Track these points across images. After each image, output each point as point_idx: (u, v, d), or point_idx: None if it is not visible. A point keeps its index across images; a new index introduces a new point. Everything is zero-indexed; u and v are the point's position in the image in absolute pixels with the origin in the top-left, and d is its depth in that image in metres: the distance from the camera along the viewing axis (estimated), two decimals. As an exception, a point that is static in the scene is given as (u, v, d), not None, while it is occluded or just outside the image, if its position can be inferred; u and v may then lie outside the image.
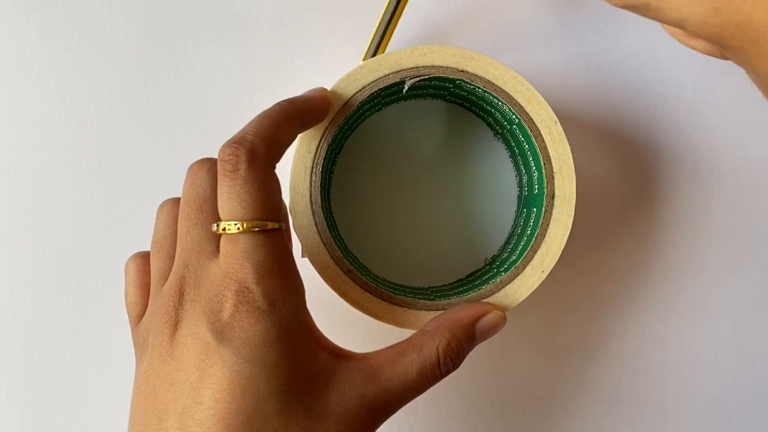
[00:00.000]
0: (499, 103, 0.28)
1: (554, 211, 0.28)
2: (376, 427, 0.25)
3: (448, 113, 0.33)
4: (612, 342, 0.35)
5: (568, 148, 0.28)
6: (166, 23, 0.34)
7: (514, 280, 0.28)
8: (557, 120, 0.28)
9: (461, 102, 0.32)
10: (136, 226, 0.32)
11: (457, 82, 0.28)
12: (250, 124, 0.24)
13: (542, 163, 0.28)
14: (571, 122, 0.32)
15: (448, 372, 0.26)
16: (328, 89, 0.28)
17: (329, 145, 0.28)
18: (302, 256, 0.28)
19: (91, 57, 0.34)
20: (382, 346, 0.26)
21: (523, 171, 0.31)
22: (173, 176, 0.33)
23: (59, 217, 0.34)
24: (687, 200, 0.35)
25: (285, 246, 0.24)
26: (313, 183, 0.28)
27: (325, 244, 0.28)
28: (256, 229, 0.23)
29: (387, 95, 0.30)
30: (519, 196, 0.32)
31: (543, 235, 0.28)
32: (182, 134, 0.34)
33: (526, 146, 0.29)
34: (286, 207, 0.28)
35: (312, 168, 0.28)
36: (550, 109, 0.28)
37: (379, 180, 0.33)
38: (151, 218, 0.27)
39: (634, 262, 0.35)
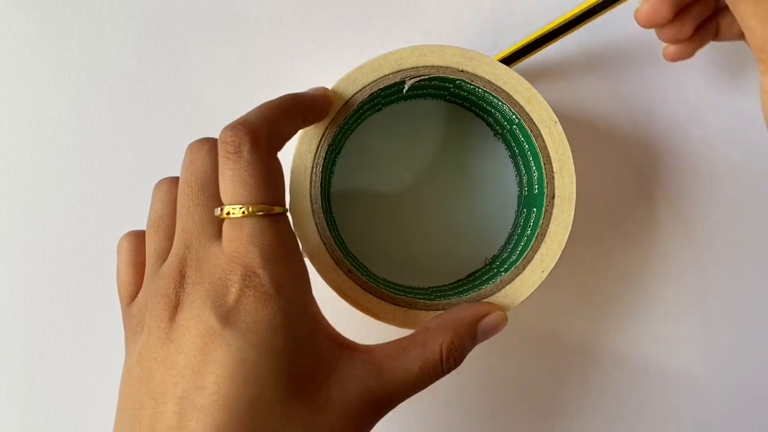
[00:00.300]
0: (499, 103, 0.28)
1: (554, 211, 0.28)
2: (376, 421, 0.25)
3: (448, 113, 0.33)
4: (612, 342, 0.35)
5: (568, 148, 0.28)
6: (166, 23, 0.34)
7: (514, 280, 0.28)
8: (557, 120, 0.28)
9: (461, 102, 0.32)
10: (136, 226, 0.32)
11: (457, 82, 0.28)
12: (252, 110, 0.24)
13: (542, 163, 0.28)
14: (571, 122, 0.32)
15: (450, 369, 0.26)
16: (329, 89, 0.28)
17: (329, 145, 0.28)
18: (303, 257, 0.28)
19: (91, 57, 0.34)
20: (382, 345, 0.26)
21: (523, 171, 0.31)
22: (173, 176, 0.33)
23: (59, 217, 0.34)
24: (687, 200, 0.35)
25: (290, 231, 0.24)
26: (313, 183, 0.28)
27: (325, 244, 0.28)
28: (261, 213, 0.23)
29: (387, 95, 0.30)
30: (519, 196, 0.32)
31: (543, 235, 0.28)
32: (182, 134, 0.34)
33: (526, 146, 0.29)
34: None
35: (312, 168, 0.28)
36: (550, 109, 0.28)
37: (379, 180, 0.33)
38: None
39: (634, 262, 0.35)
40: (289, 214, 0.28)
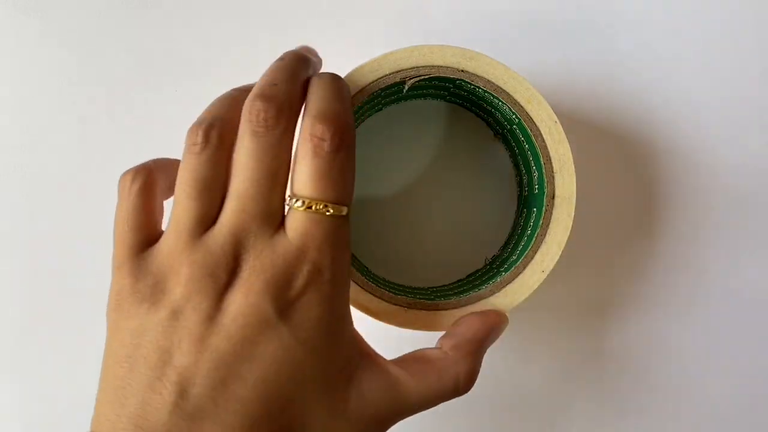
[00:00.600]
0: (499, 103, 0.28)
1: (554, 211, 0.28)
2: None
3: (448, 113, 0.33)
4: (612, 342, 0.35)
5: (568, 148, 0.28)
6: (166, 23, 0.34)
7: (514, 280, 0.28)
8: (557, 120, 0.28)
9: (461, 102, 0.32)
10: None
11: (458, 82, 0.28)
12: (334, 99, 0.23)
13: (542, 162, 0.28)
14: (571, 122, 0.32)
15: (466, 393, 0.26)
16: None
17: (329, 145, 0.28)
18: None
19: (91, 57, 0.34)
20: (382, 346, 0.26)
21: (523, 171, 0.31)
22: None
23: (59, 217, 0.34)
24: (687, 200, 0.35)
25: (350, 231, 0.24)
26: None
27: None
28: (337, 214, 0.22)
29: (387, 95, 0.30)
30: (519, 196, 0.32)
31: (543, 235, 0.28)
32: (182, 134, 0.34)
33: (526, 146, 0.29)
34: None
35: None
36: (550, 109, 0.28)
37: (379, 180, 0.33)
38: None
39: (634, 262, 0.35)
40: None
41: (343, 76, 0.28)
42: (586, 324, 0.35)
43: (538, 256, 0.28)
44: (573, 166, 0.28)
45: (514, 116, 0.28)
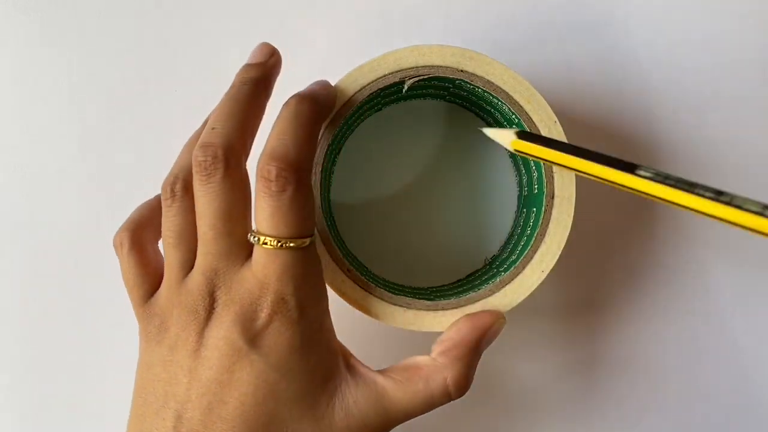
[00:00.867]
0: (499, 103, 0.28)
1: (554, 211, 0.28)
2: None
3: (448, 113, 0.33)
4: (612, 342, 0.35)
5: (568, 148, 0.28)
6: (166, 23, 0.34)
7: (514, 280, 0.28)
8: (557, 120, 0.28)
9: (461, 102, 0.32)
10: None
11: (457, 82, 0.28)
12: (288, 132, 0.24)
13: (542, 162, 0.28)
14: (571, 122, 0.32)
15: (460, 397, 0.26)
16: (329, 82, 0.28)
17: (329, 145, 0.28)
18: None
19: (91, 57, 0.34)
20: (382, 347, 0.26)
21: (523, 171, 0.31)
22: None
23: (59, 217, 0.34)
24: (687, 200, 0.35)
25: (317, 255, 0.25)
26: (312, 183, 0.28)
27: (324, 243, 0.28)
28: (295, 246, 0.24)
29: (387, 95, 0.30)
30: (519, 196, 0.32)
31: (543, 235, 0.28)
32: (183, 134, 0.34)
33: (526, 146, 0.29)
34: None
35: (312, 168, 0.28)
36: (550, 109, 0.28)
37: (379, 180, 0.33)
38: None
39: (634, 262, 0.35)
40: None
41: (342, 76, 0.28)
42: (585, 324, 0.35)
43: (537, 256, 0.28)
44: (573, 166, 0.28)
45: (513, 116, 0.28)
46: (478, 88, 0.28)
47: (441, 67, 0.28)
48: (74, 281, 0.34)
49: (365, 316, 0.28)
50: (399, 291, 0.29)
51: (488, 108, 0.30)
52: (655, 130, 0.34)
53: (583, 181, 0.32)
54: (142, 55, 0.34)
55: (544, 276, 0.28)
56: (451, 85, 0.29)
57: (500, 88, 0.28)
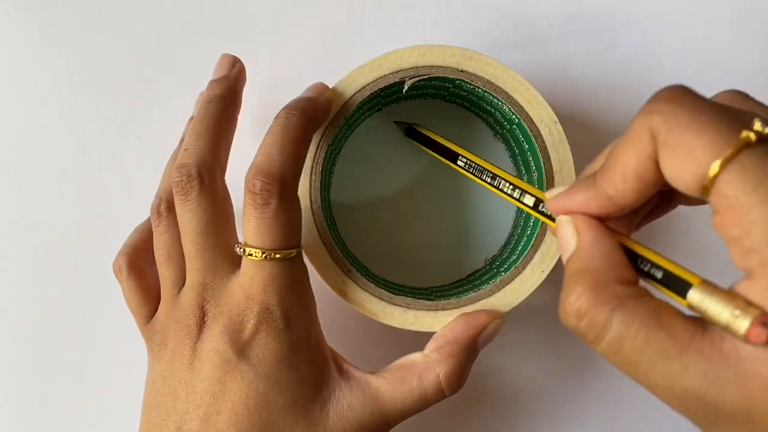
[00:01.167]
0: (499, 103, 0.28)
1: (554, 211, 0.28)
2: None
3: (448, 113, 0.33)
4: (612, 342, 0.35)
5: (568, 148, 0.28)
6: (165, 23, 0.34)
7: (514, 280, 0.28)
8: (557, 120, 0.28)
9: (461, 102, 0.32)
10: (135, 224, 0.32)
11: (457, 82, 0.28)
12: (275, 147, 0.25)
13: (542, 163, 0.28)
14: (571, 122, 0.32)
15: (452, 394, 0.26)
16: (327, 86, 0.28)
17: (329, 146, 0.28)
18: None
19: (91, 57, 0.34)
20: (382, 347, 0.26)
21: (523, 171, 0.31)
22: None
23: (59, 217, 0.34)
24: (687, 200, 0.35)
25: (303, 266, 0.26)
26: (312, 183, 0.28)
27: (324, 244, 0.28)
28: (280, 257, 0.24)
29: (387, 95, 0.30)
30: (519, 196, 0.32)
31: (543, 234, 0.28)
32: (182, 134, 0.34)
33: (526, 146, 0.29)
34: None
35: (312, 168, 0.28)
36: (550, 109, 0.28)
37: (379, 180, 0.33)
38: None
39: (634, 262, 0.35)
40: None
41: (343, 76, 0.28)
42: (586, 324, 0.35)
43: (537, 256, 0.28)
44: (573, 166, 0.28)
45: (513, 116, 0.28)
46: (479, 88, 0.28)
47: (441, 67, 0.28)
48: (74, 281, 0.34)
49: (365, 317, 0.28)
50: (399, 291, 0.29)
51: (488, 108, 0.30)
52: (655, 130, 0.34)
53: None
54: (142, 55, 0.34)
55: (544, 276, 0.28)
56: (451, 85, 0.29)
57: (500, 88, 0.28)
